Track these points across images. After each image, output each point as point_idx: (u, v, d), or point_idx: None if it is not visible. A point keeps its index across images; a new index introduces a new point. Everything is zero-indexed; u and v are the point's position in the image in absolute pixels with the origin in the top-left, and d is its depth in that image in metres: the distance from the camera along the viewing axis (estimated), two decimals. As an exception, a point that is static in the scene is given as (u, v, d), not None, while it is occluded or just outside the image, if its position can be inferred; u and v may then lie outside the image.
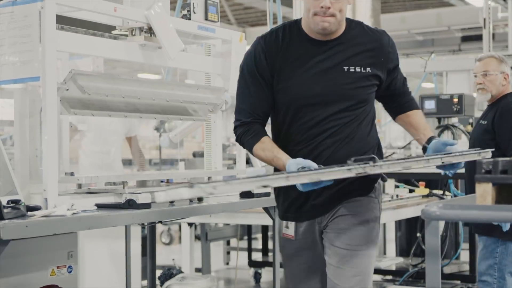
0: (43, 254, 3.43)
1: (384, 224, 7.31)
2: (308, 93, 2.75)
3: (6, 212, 2.68)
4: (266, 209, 4.01)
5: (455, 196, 6.27)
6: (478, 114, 8.42)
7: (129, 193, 3.16)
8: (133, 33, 3.62)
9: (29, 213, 2.82)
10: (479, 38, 8.32)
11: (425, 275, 2.07)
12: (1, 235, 2.54)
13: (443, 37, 19.02)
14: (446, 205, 2.04)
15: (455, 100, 6.27)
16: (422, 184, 5.83)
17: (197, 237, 7.73)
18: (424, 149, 2.92)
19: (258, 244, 8.66)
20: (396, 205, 5.06)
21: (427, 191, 5.74)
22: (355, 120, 2.81)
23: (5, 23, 3.12)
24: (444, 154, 2.76)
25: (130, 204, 3.10)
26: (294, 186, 2.52)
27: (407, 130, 3.11)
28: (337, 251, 2.81)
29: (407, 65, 8.58)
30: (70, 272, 3.57)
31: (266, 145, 2.76)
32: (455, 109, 6.29)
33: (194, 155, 7.74)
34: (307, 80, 2.75)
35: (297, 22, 2.85)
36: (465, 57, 8.27)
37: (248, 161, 5.94)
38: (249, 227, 7.48)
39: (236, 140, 2.91)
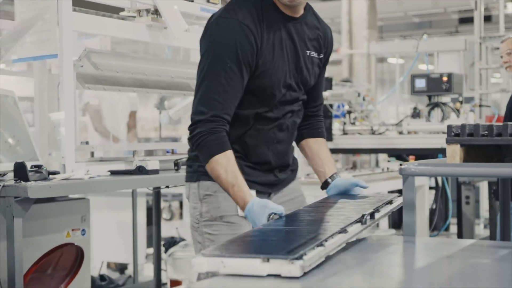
0: (59, 218, 3.76)
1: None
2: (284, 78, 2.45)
3: (30, 175, 2.99)
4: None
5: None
6: (467, 92, 8.74)
7: (139, 160, 3.47)
8: (141, 14, 3.90)
9: (50, 176, 3.13)
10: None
11: (403, 225, 2.37)
12: (29, 194, 2.85)
13: (440, 19, 19.24)
14: (421, 164, 2.34)
15: (445, 78, 6.56)
16: (412, 158, 6.14)
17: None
18: (326, 184, 2.58)
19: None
20: (387, 177, 5.38)
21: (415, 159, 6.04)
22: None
23: (25, 6, 3.41)
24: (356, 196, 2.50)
25: (140, 170, 3.41)
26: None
27: (309, 159, 2.67)
28: None
29: (401, 47, 8.88)
30: (83, 234, 3.90)
31: (230, 164, 2.28)
32: (444, 87, 6.57)
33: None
34: (284, 63, 2.43)
35: None
36: (455, 39, 8.50)
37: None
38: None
39: (192, 139, 2.35)
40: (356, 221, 1.94)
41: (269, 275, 1.51)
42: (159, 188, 4.56)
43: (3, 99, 3.27)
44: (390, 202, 2.34)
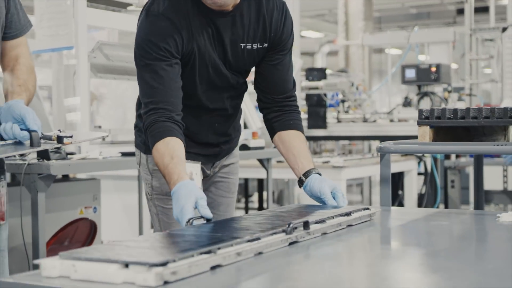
0: (73, 196, 4.13)
1: (370, 180, 7.97)
2: None
3: (51, 154, 3.34)
4: (261, 161, 4.68)
5: (434, 158, 6.95)
6: (458, 82, 9.08)
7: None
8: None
9: (68, 156, 3.48)
10: (474, 11, 8.91)
11: (380, 197, 2.73)
12: (51, 171, 3.21)
13: (438, 10, 19.53)
14: (396, 143, 2.70)
15: (433, 69, 6.91)
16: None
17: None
18: (301, 182, 2.40)
19: (254, 205, 9.34)
20: (376, 161, 5.73)
21: (406, 150, 6.40)
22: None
23: (43, 1, 3.76)
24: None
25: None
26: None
27: (283, 155, 2.54)
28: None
29: (393, 38, 9.22)
30: (95, 212, 4.27)
31: (168, 148, 2.21)
32: (433, 77, 6.93)
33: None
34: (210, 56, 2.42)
35: None
36: (445, 30, 8.82)
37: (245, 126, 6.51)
38: (246, 187, 8.14)
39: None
40: (281, 231, 1.74)
41: (125, 283, 1.34)
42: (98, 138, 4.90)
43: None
44: (349, 214, 2.05)
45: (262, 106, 2.56)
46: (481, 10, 13.94)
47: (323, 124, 7.19)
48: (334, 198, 2.29)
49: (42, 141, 2.13)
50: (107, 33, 5.36)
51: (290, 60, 2.54)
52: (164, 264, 1.36)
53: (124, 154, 3.76)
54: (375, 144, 8.25)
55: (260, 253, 1.62)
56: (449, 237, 2.02)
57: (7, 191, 2.39)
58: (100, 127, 3.89)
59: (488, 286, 1.36)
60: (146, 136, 2.28)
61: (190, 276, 1.39)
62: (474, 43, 9.03)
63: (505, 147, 2.50)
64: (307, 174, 2.38)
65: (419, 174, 7.22)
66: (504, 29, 7.50)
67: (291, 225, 1.76)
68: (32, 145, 2.08)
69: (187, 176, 2.13)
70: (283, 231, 1.75)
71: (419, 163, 7.00)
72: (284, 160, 2.52)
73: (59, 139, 2.07)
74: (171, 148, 2.19)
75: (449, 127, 2.71)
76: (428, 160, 7.10)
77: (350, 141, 9.67)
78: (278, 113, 2.52)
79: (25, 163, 3.21)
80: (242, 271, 1.50)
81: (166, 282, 1.34)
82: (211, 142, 2.55)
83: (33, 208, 3.21)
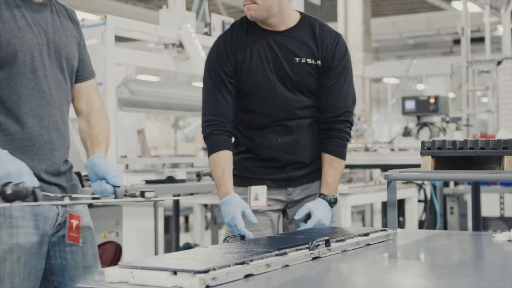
0: (98, 222, 4.40)
1: (372, 208, 8.24)
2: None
3: (84, 182, 3.63)
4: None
5: (433, 186, 7.24)
6: (455, 112, 9.39)
7: (168, 171, 4.13)
8: (167, 47, 4.59)
9: (98, 184, 3.77)
10: (470, 41, 9.25)
11: (387, 220, 3.02)
12: (85, 197, 3.50)
13: (435, 40, 19.93)
14: (402, 171, 3.00)
15: (432, 100, 7.24)
16: (402, 172, 6.78)
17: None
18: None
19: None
20: (379, 189, 6.02)
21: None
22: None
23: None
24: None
25: (170, 179, 4.07)
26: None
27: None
28: None
29: (392, 70, 9.56)
30: (117, 236, 4.55)
31: (221, 161, 2.71)
32: (432, 108, 7.25)
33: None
34: (264, 69, 2.80)
35: None
36: (442, 63, 9.15)
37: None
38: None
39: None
40: (305, 247, 2.00)
41: (174, 287, 1.62)
42: (178, 198, 5.21)
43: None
44: (367, 234, 2.32)
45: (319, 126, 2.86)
46: (477, 40, 14.33)
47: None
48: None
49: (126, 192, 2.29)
50: (125, 68, 5.69)
51: (343, 83, 2.83)
52: (206, 271, 1.63)
53: (148, 182, 4.06)
54: (376, 172, 8.54)
55: (286, 265, 1.89)
56: (452, 253, 2.32)
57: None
58: (125, 156, 4.20)
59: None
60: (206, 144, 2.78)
61: (227, 282, 1.66)
62: (471, 74, 9.36)
63: (499, 175, 2.80)
64: (319, 195, 2.76)
65: (419, 201, 7.50)
66: (499, 63, 7.84)
67: (313, 242, 2.02)
68: (116, 198, 2.28)
69: (232, 190, 2.63)
70: (307, 247, 2.01)
71: (419, 190, 7.28)
72: None
73: (142, 194, 2.25)
74: (223, 162, 2.69)
75: (449, 157, 3.01)
76: (428, 188, 7.39)
77: (350, 170, 9.98)
78: (325, 134, 2.84)
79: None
80: (271, 280, 1.76)
81: (207, 287, 1.61)
82: (275, 157, 2.80)
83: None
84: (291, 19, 2.83)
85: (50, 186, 2.31)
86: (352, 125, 2.90)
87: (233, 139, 2.82)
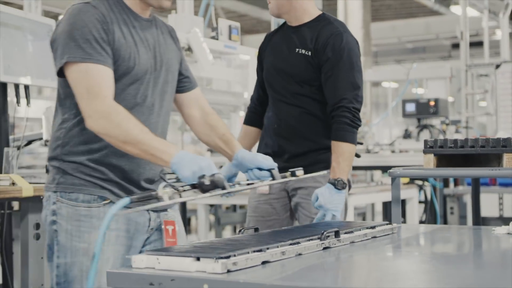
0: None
1: (374, 208, 8.37)
2: None
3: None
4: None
5: (434, 187, 7.38)
6: (454, 115, 9.54)
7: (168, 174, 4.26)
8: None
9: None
10: (469, 45, 9.40)
11: (391, 215, 3.15)
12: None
13: (434, 44, 20.07)
14: (405, 168, 3.13)
15: (432, 103, 7.39)
16: (403, 173, 6.92)
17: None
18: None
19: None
20: (380, 189, 6.16)
21: (407, 179, 6.85)
22: None
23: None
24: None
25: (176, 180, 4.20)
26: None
27: None
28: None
29: (393, 74, 9.71)
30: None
31: None
32: (432, 111, 7.40)
33: (211, 151, 8.80)
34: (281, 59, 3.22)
35: None
36: (442, 66, 9.30)
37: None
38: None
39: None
40: (317, 238, 2.14)
41: (198, 272, 1.74)
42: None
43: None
44: (373, 227, 2.43)
45: None
46: (476, 44, 14.49)
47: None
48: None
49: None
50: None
51: (334, 77, 3.06)
52: (227, 257, 1.75)
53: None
54: (377, 174, 8.67)
55: (299, 254, 2.03)
56: (453, 244, 2.45)
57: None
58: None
59: (484, 275, 1.80)
60: None
61: (246, 268, 1.79)
62: (470, 78, 9.51)
63: (499, 172, 2.94)
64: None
65: (419, 202, 7.64)
66: (497, 66, 7.99)
67: (324, 233, 2.17)
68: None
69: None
70: (318, 238, 2.15)
71: (419, 191, 7.42)
72: None
73: (293, 173, 2.42)
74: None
75: (450, 156, 3.15)
76: (428, 189, 7.53)
77: (351, 173, 10.10)
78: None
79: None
80: (285, 266, 1.89)
81: (228, 271, 1.73)
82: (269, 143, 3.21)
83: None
84: (306, 16, 3.16)
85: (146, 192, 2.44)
86: (354, 110, 3.05)
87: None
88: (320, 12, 3.18)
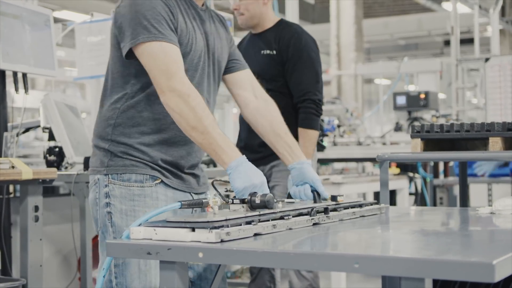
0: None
1: (364, 197, 8.48)
2: None
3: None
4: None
5: (424, 178, 7.49)
6: (445, 109, 9.66)
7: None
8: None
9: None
10: (460, 42, 9.50)
11: (379, 197, 3.25)
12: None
13: (426, 41, 20.20)
14: (393, 153, 3.24)
15: (422, 96, 7.51)
16: (393, 164, 7.04)
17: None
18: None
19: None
20: (371, 179, 6.27)
21: (398, 170, 6.96)
22: None
23: (84, 35, 4.31)
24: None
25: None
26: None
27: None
28: None
29: (384, 68, 9.82)
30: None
31: None
32: (422, 103, 7.52)
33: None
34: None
35: None
36: (433, 61, 9.42)
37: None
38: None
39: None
40: (306, 213, 2.22)
41: (193, 241, 1.84)
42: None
43: (69, 110, 4.16)
44: (361, 205, 2.50)
45: None
46: (467, 41, 14.60)
47: (320, 148, 7.72)
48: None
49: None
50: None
51: (300, 69, 3.55)
52: (221, 227, 1.86)
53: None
54: (369, 165, 8.81)
55: (290, 228, 2.12)
56: (438, 221, 2.56)
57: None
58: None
59: (459, 244, 1.91)
60: None
61: (239, 239, 1.88)
62: (460, 72, 9.62)
63: (483, 154, 3.05)
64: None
65: (410, 194, 7.75)
66: (487, 59, 8.10)
67: (314, 209, 2.25)
68: (315, 202, 2.43)
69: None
70: (307, 213, 2.25)
71: (410, 183, 7.54)
72: None
73: (333, 198, 2.43)
74: None
75: (437, 141, 3.25)
76: (419, 181, 7.64)
77: (343, 166, 10.25)
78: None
79: (74, 174, 3.73)
80: (276, 239, 1.98)
81: (222, 241, 1.83)
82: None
83: (81, 213, 3.72)
84: (269, 22, 3.67)
85: (187, 176, 2.50)
86: (318, 102, 3.56)
87: None
88: (279, 18, 3.68)
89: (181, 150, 2.44)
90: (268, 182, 3.20)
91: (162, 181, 2.39)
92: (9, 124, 3.85)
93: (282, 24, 3.67)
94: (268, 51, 3.58)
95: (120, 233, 2.33)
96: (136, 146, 2.37)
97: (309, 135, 3.53)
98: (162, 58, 2.26)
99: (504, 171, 6.05)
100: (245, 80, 2.64)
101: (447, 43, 18.93)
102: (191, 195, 2.52)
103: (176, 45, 2.31)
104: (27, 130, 4.34)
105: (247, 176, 2.18)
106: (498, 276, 1.45)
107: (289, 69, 3.57)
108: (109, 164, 2.37)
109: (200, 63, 2.45)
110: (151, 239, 1.91)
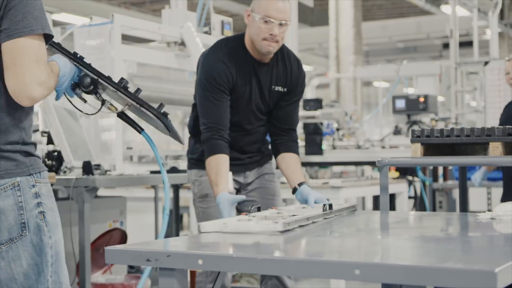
0: (103, 211, 4.62)
1: (364, 200, 8.47)
2: None
3: (94, 171, 3.85)
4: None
5: (423, 181, 7.48)
6: (444, 112, 9.66)
7: (172, 162, 4.35)
8: (169, 46, 4.81)
9: (107, 173, 3.99)
10: (459, 45, 9.50)
11: (379, 202, 3.24)
12: (96, 184, 3.72)
13: (425, 44, 20.19)
14: (393, 157, 3.23)
15: (421, 99, 7.50)
16: (393, 168, 7.04)
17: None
18: (294, 190, 3.27)
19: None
20: (370, 183, 6.26)
21: (397, 174, 6.95)
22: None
23: (83, 38, 4.30)
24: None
25: (174, 170, 4.29)
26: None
27: (283, 170, 3.41)
28: None
29: (383, 71, 9.82)
30: (121, 225, 4.76)
31: (217, 163, 3.14)
32: (421, 107, 7.51)
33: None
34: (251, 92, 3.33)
35: (242, 40, 3.31)
36: (432, 64, 9.43)
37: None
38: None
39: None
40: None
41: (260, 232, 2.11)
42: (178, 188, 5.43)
43: (68, 115, 4.15)
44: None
45: (272, 133, 3.45)
46: (466, 44, 14.60)
47: (319, 151, 7.71)
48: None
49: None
50: (127, 65, 5.90)
51: (298, 103, 3.47)
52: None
53: (153, 172, 4.28)
54: (368, 169, 8.78)
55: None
56: (440, 227, 2.55)
57: None
58: (131, 148, 4.42)
59: (456, 247, 1.90)
60: (204, 146, 3.22)
61: (294, 228, 2.21)
62: (459, 75, 9.62)
63: (484, 160, 3.04)
64: (299, 185, 3.24)
65: (409, 198, 7.74)
66: (486, 63, 8.10)
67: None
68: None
69: (227, 189, 3.06)
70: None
71: (409, 186, 7.53)
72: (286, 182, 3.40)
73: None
74: (218, 165, 3.11)
75: (437, 146, 3.24)
76: (418, 185, 7.63)
77: (342, 170, 10.24)
78: (282, 139, 3.43)
79: (73, 178, 3.72)
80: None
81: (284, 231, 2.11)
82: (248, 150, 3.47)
83: (80, 217, 3.71)
84: None
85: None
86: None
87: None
88: None
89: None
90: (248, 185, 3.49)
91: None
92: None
93: (283, 52, 3.38)
94: (279, 88, 3.37)
95: (53, 231, 2.32)
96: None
97: (298, 160, 3.45)
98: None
99: (504, 175, 6.04)
100: None
101: (446, 46, 18.86)
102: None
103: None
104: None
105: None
106: (500, 284, 1.45)
107: (287, 100, 3.42)
108: (31, 164, 2.29)
109: None
110: (221, 231, 2.17)
